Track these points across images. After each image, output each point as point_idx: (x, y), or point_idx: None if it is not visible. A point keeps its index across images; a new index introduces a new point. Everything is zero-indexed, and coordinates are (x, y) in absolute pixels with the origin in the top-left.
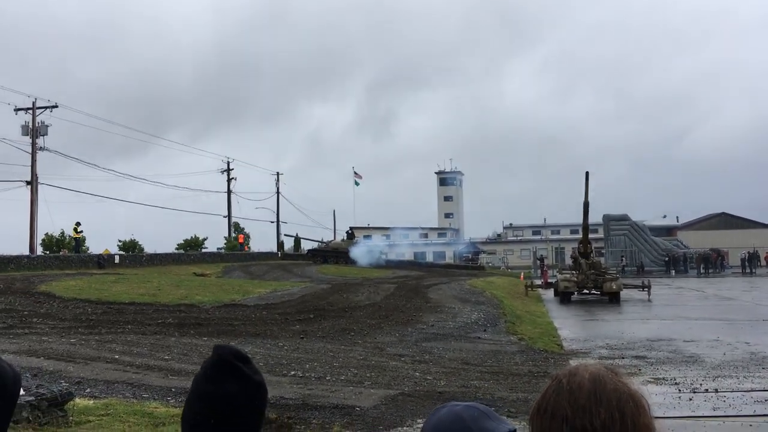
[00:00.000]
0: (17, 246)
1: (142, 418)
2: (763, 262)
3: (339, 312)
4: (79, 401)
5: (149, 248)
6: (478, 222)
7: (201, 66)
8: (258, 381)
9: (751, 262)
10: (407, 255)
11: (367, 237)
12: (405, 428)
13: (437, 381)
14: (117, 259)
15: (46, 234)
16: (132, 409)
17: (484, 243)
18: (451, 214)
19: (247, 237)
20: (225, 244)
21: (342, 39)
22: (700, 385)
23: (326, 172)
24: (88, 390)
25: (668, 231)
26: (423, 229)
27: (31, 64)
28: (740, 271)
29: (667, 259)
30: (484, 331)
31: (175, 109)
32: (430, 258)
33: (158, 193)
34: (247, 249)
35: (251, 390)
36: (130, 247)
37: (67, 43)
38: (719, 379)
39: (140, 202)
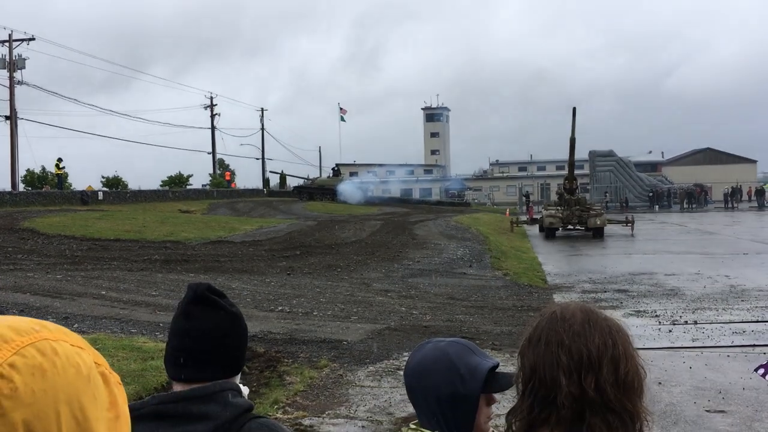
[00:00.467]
0: None
1: (131, 352)
2: (746, 197)
3: (325, 248)
4: None
5: (133, 185)
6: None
7: (182, 3)
8: (234, 312)
9: (733, 197)
10: (394, 192)
11: (353, 174)
12: (391, 361)
13: (423, 315)
14: (101, 196)
15: (28, 170)
16: (120, 344)
17: (470, 180)
18: (438, 150)
19: (233, 174)
20: (210, 180)
21: None
22: (680, 317)
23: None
24: (75, 325)
25: (653, 167)
26: (409, 166)
27: None
28: (723, 205)
29: (651, 194)
30: (470, 266)
31: (157, 44)
32: (416, 195)
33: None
34: (234, 186)
35: (227, 322)
36: (113, 184)
37: None
38: (699, 311)
39: (123, 138)
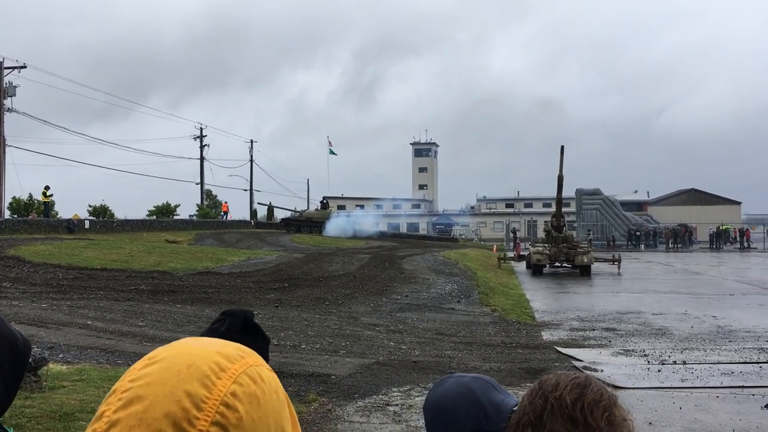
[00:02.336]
0: None
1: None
2: (732, 237)
3: (313, 281)
4: (53, 366)
5: (120, 214)
6: (453, 194)
7: (188, 30)
8: (268, 337)
9: (719, 238)
10: (381, 226)
11: (341, 207)
12: (380, 396)
13: (411, 350)
14: (87, 224)
15: (14, 197)
16: (106, 374)
17: (457, 215)
18: (426, 185)
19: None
20: (197, 211)
21: (333, 4)
22: (669, 357)
23: (303, 141)
24: (60, 355)
25: (639, 206)
26: (397, 200)
27: (14, 25)
28: (708, 246)
29: (638, 233)
30: (458, 302)
31: (157, 74)
32: (404, 229)
33: (130, 159)
34: (231, 217)
35: (267, 347)
36: (100, 213)
37: (53, 2)
38: (687, 351)
39: (109, 166)
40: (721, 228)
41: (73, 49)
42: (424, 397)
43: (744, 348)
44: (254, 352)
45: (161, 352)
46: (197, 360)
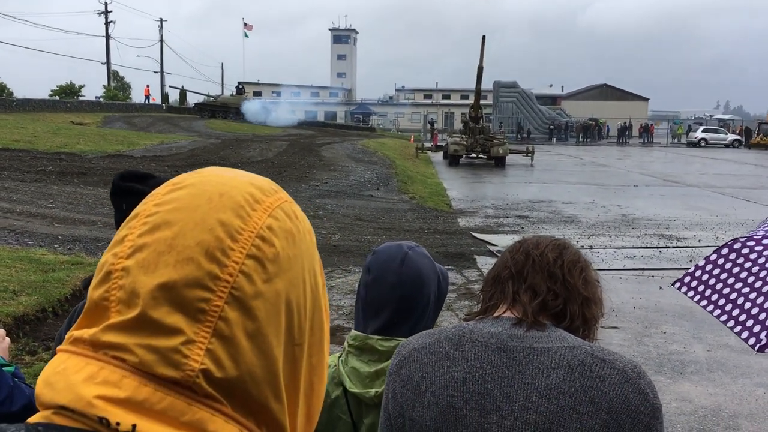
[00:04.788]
0: None
1: (29, 264)
2: (636, 134)
3: (231, 167)
4: None
5: (19, 94)
6: (372, 84)
7: None
8: None
9: (624, 133)
10: (298, 114)
11: (257, 94)
12: None
13: (332, 235)
14: None
15: None
16: (17, 255)
17: (375, 105)
18: (344, 73)
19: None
20: (104, 93)
21: None
22: (577, 242)
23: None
24: None
25: (553, 100)
26: (315, 88)
27: None
28: (615, 141)
29: (551, 127)
30: (377, 189)
31: None
32: (321, 118)
33: (30, 34)
34: (154, 100)
35: None
36: None
37: None
38: (594, 237)
39: (6, 41)
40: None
41: None
42: (344, 279)
43: (645, 234)
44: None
45: (187, 177)
46: (230, 189)
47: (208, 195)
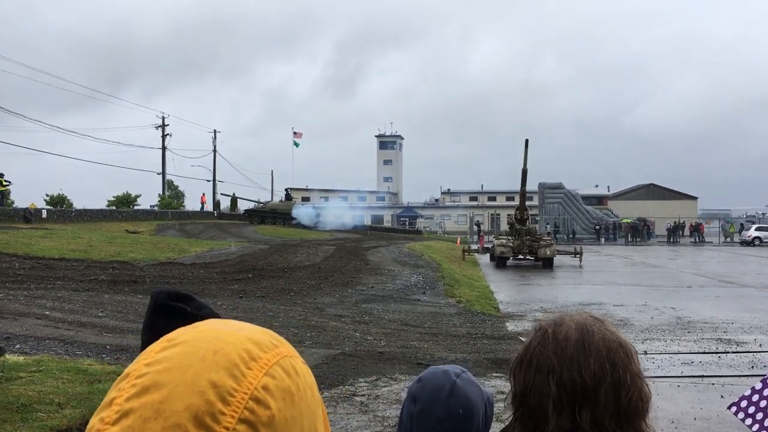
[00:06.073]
0: None
1: (76, 374)
2: (687, 233)
3: (278, 272)
4: (10, 357)
5: (78, 204)
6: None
7: (173, 20)
8: (204, 316)
9: (675, 232)
10: (346, 218)
11: (305, 199)
12: (347, 387)
13: (377, 341)
14: (44, 214)
15: None
16: (65, 365)
17: (421, 208)
18: (390, 177)
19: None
20: (159, 201)
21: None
22: None
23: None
24: (17, 346)
25: (599, 200)
26: (361, 192)
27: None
28: (665, 240)
29: (597, 227)
30: (423, 293)
31: (135, 64)
32: (368, 222)
33: (91, 149)
34: (207, 208)
35: None
36: (58, 202)
37: None
38: (648, 341)
39: (68, 155)
40: (678, 223)
41: (56, 35)
42: (390, 388)
43: (703, 338)
44: (287, 342)
45: (182, 333)
46: (225, 345)
47: (202, 353)
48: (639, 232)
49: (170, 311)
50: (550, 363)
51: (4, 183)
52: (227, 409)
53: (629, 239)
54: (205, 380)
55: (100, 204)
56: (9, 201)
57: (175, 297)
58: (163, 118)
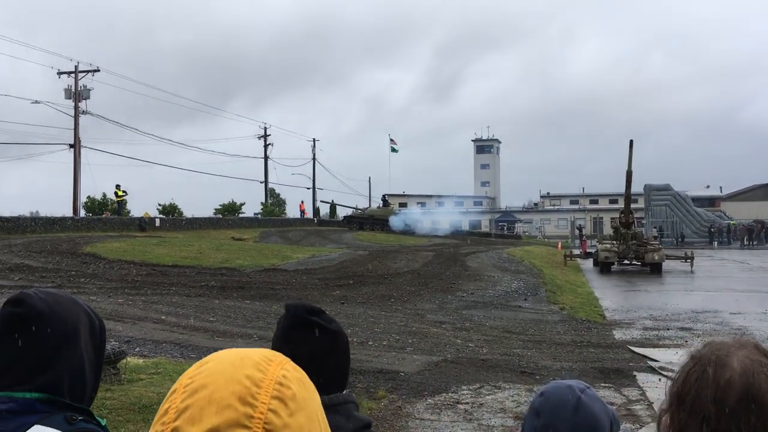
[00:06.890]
0: (61, 208)
1: None
2: None
3: (378, 278)
4: (130, 359)
5: (188, 212)
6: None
7: (278, 31)
8: (334, 330)
9: None
10: (443, 223)
11: (402, 205)
12: (450, 394)
13: (479, 348)
14: (158, 222)
15: (89, 197)
16: (181, 368)
17: (520, 212)
18: (488, 182)
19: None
20: (262, 209)
21: (421, 2)
22: None
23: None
24: (137, 349)
25: (711, 202)
26: (458, 197)
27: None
28: None
29: (712, 230)
30: (525, 299)
31: (241, 76)
32: (466, 227)
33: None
34: (306, 215)
35: (327, 342)
36: (169, 211)
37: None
38: None
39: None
40: None
41: (169, 50)
42: (494, 396)
43: None
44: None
45: (207, 358)
46: (246, 354)
47: (231, 360)
48: (756, 234)
49: (307, 325)
50: (707, 411)
51: (121, 193)
52: (261, 391)
53: (745, 242)
54: (240, 374)
55: (208, 212)
56: (126, 210)
57: (309, 311)
58: (265, 128)
